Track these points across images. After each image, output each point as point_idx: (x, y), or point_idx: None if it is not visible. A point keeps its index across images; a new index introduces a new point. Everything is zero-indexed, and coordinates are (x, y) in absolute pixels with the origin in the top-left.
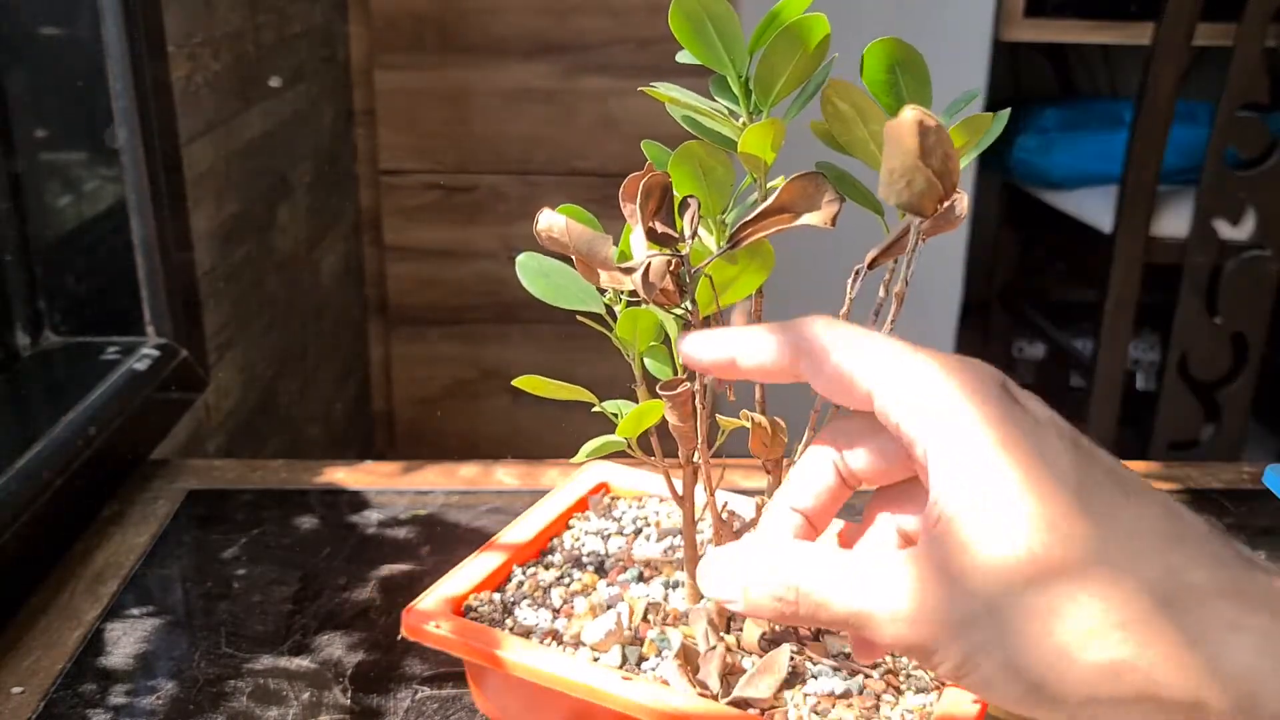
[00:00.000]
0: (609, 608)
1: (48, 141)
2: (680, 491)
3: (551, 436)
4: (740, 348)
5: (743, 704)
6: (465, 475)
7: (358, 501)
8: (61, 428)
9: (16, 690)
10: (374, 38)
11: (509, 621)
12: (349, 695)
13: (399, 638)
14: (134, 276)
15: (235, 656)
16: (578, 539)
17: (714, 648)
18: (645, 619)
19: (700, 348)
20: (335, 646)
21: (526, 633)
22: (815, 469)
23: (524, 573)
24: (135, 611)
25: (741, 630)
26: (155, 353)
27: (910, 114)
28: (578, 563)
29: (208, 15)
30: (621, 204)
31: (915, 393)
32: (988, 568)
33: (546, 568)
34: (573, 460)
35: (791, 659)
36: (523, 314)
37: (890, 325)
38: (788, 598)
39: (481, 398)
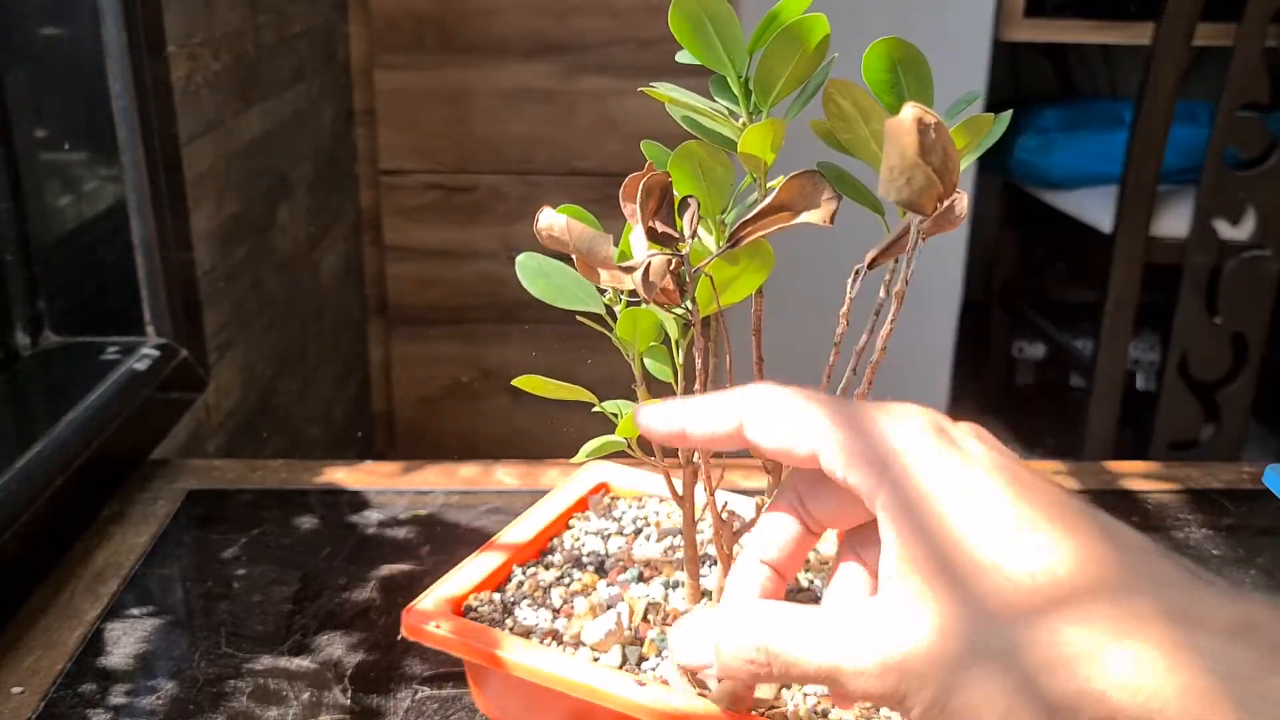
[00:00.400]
0: (609, 608)
1: (48, 141)
2: (680, 491)
3: (551, 436)
4: (689, 419)
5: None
6: (465, 475)
7: (358, 501)
8: (61, 428)
9: (16, 690)
10: (374, 38)
11: (509, 621)
12: (349, 695)
13: (399, 638)
14: (134, 276)
15: (235, 656)
16: (578, 539)
17: None
18: (645, 619)
19: (654, 420)
20: (335, 646)
21: (526, 633)
22: (779, 521)
23: (524, 573)
24: (135, 611)
25: None
26: (155, 353)
27: (910, 111)
28: (578, 563)
29: (208, 15)
30: (622, 204)
31: (855, 448)
32: (936, 620)
33: (546, 568)
34: (573, 460)
35: None
36: (523, 314)
37: (890, 325)
38: (759, 659)
39: (481, 398)
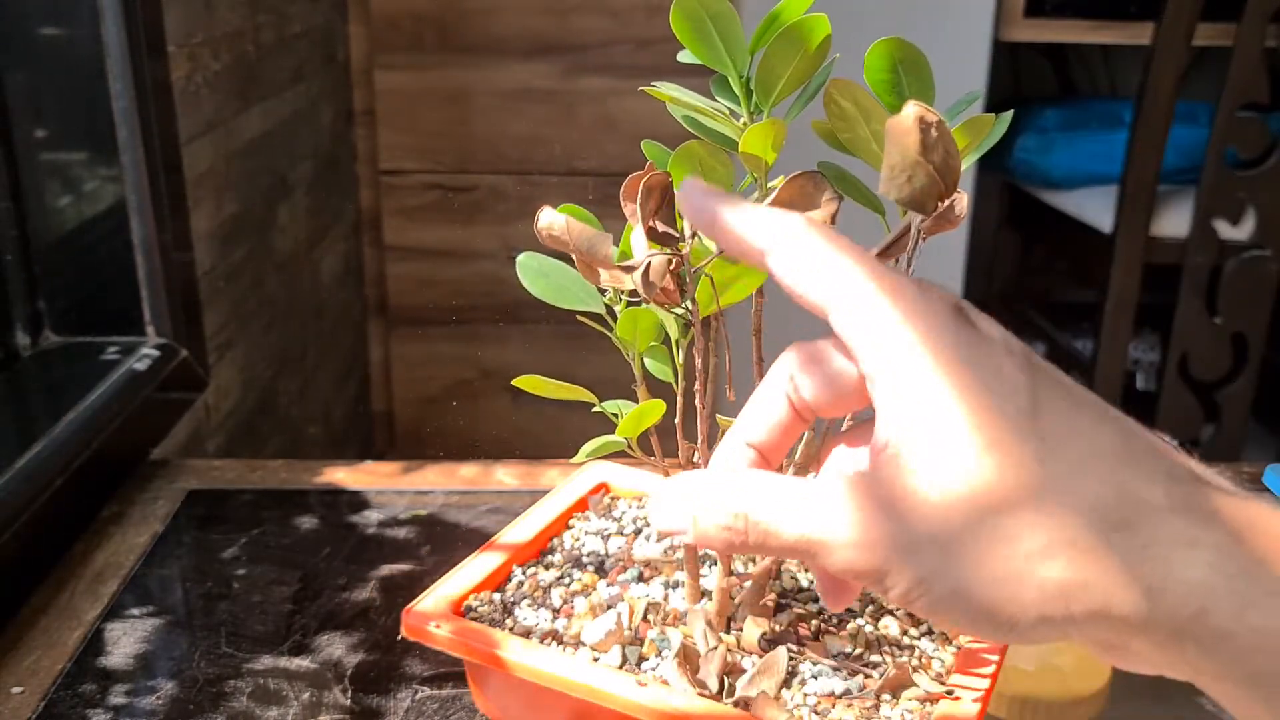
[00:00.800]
0: (609, 608)
1: (48, 141)
2: None
3: (551, 436)
4: (725, 213)
5: (745, 704)
6: (465, 475)
7: (358, 501)
8: (61, 428)
9: (16, 690)
10: (374, 38)
11: (509, 622)
12: (349, 695)
13: (399, 638)
14: (134, 276)
15: (235, 656)
16: (578, 539)
17: (714, 648)
18: (645, 619)
19: (693, 193)
20: (335, 646)
21: (526, 633)
22: (768, 402)
23: (524, 573)
24: (135, 611)
25: (741, 630)
26: (155, 353)
27: (911, 109)
28: (578, 563)
29: (208, 15)
30: (622, 203)
31: (868, 313)
32: (935, 494)
33: (546, 568)
34: (573, 460)
35: (791, 659)
36: (523, 314)
37: None
38: (736, 526)
39: (481, 398)
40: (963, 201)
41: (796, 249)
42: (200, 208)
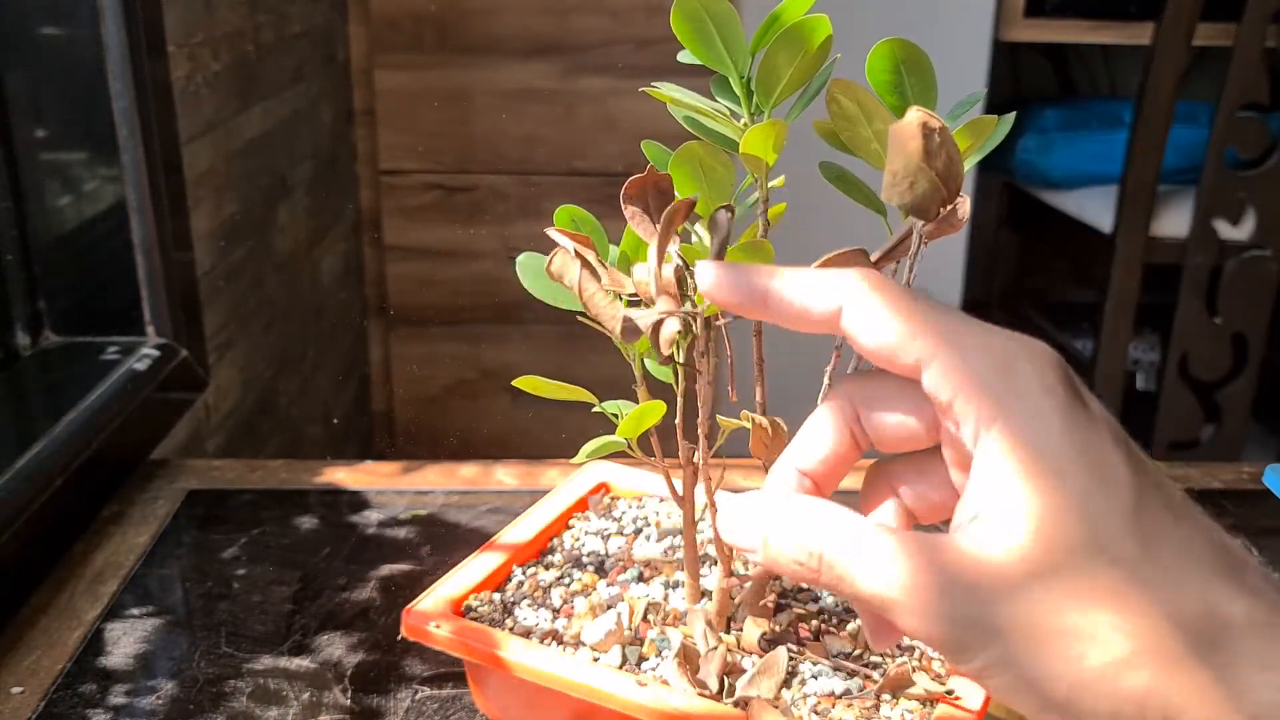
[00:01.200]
0: (609, 608)
1: (48, 141)
2: (680, 491)
3: (551, 436)
4: (776, 287)
5: (745, 704)
6: (465, 475)
7: (358, 501)
8: (61, 427)
9: (16, 690)
10: (374, 38)
11: (509, 622)
12: (349, 695)
13: (399, 638)
14: (134, 276)
15: (235, 656)
16: (578, 539)
17: (715, 648)
18: (645, 619)
19: (726, 281)
20: (335, 646)
21: (526, 633)
22: (827, 432)
23: (524, 573)
24: (135, 611)
25: (741, 630)
26: (155, 353)
27: (914, 115)
28: (578, 563)
29: (208, 15)
30: (623, 205)
31: (974, 372)
32: (1025, 582)
33: (546, 568)
34: (573, 460)
35: (791, 659)
36: (523, 314)
37: None
38: (810, 564)
39: (481, 398)
40: (965, 206)
41: (872, 304)
42: (200, 208)
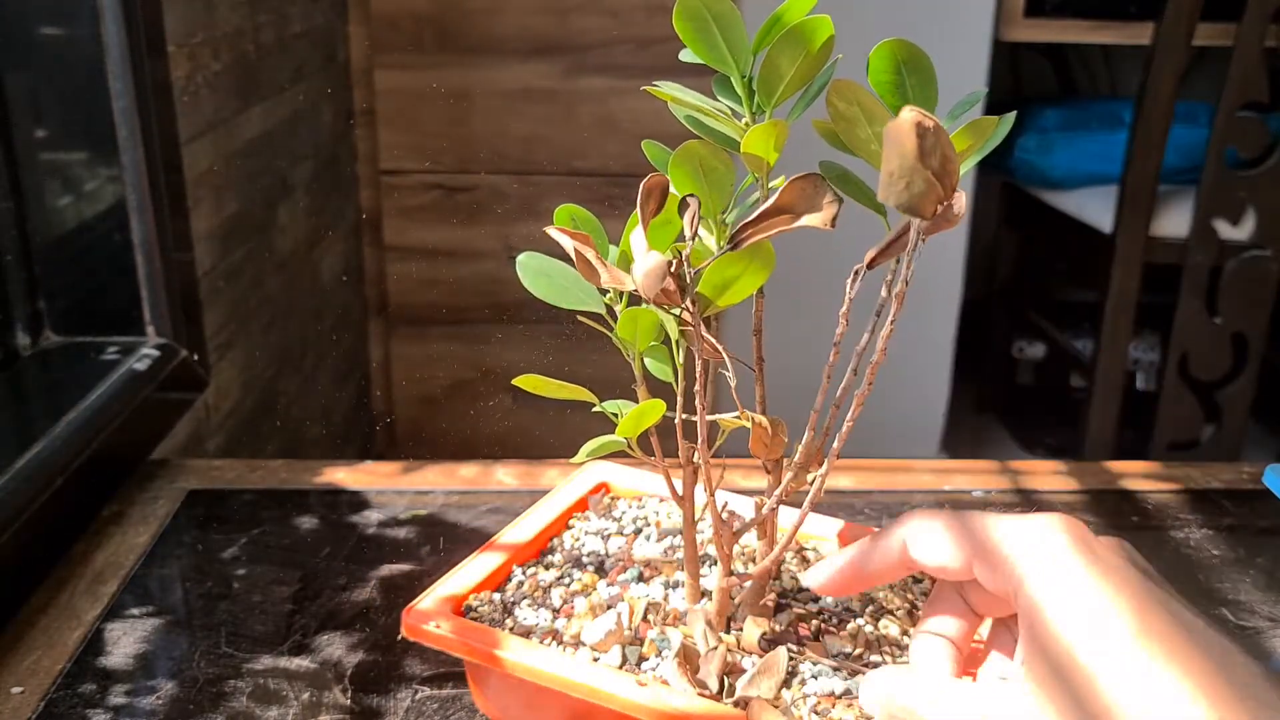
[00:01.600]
0: (609, 608)
1: (48, 141)
2: (680, 491)
3: (551, 436)
4: (861, 565)
5: (745, 704)
6: (465, 475)
7: (358, 501)
8: (61, 427)
9: (16, 690)
10: (374, 38)
11: (509, 621)
12: (349, 695)
13: (399, 638)
14: (134, 276)
15: (235, 656)
16: (578, 539)
17: (715, 648)
18: (645, 619)
19: (827, 580)
20: (335, 646)
21: (526, 633)
22: (948, 611)
23: (524, 573)
24: (135, 611)
25: (741, 630)
26: (155, 353)
27: (909, 115)
28: (578, 563)
29: (208, 15)
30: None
31: (997, 561)
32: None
33: (546, 568)
34: (573, 460)
35: (791, 659)
36: (523, 314)
37: (891, 325)
38: None
39: (481, 398)
40: (961, 201)
41: (926, 534)
42: (200, 208)
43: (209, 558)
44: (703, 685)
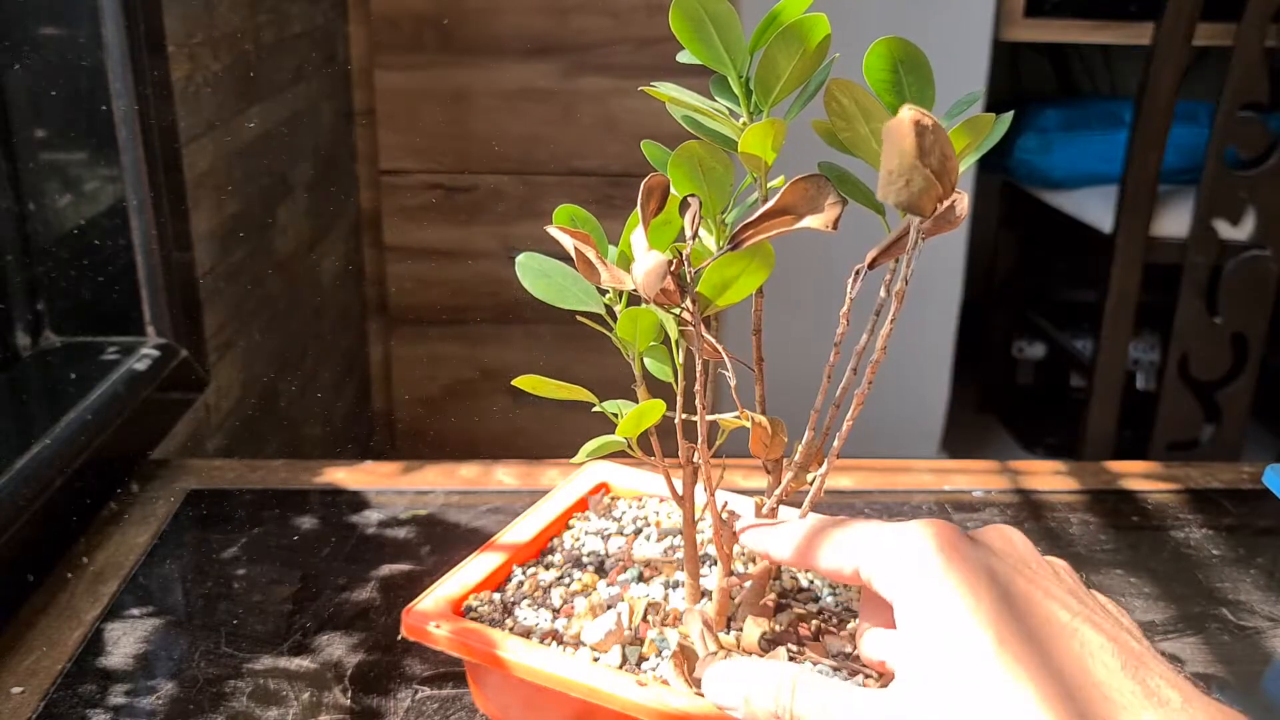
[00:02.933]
0: (609, 608)
1: (48, 141)
2: (680, 491)
3: (551, 436)
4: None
5: None
6: (465, 475)
7: (358, 501)
8: (62, 427)
9: (16, 690)
10: (374, 38)
11: (509, 621)
12: (349, 695)
13: (399, 638)
14: (134, 276)
15: (235, 656)
16: (578, 539)
17: (714, 652)
18: (645, 619)
19: (788, 552)
20: (335, 646)
21: (526, 633)
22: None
23: (524, 573)
24: (135, 611)
25: (741, 630)
26: (155, 353)
27: (907, 113)
28: (578, 563)
29: (208, 15)
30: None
31: (886, 563)
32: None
33: (546, 568)
34: (573, 460)
35: (791, 658)
36: (523, 314)
37: (891, 325)
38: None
39: (481, 398)
40: (963, 202)
41: (818, 540)
42: (200, 208)
43: (209, 558)
44: (699, 684)
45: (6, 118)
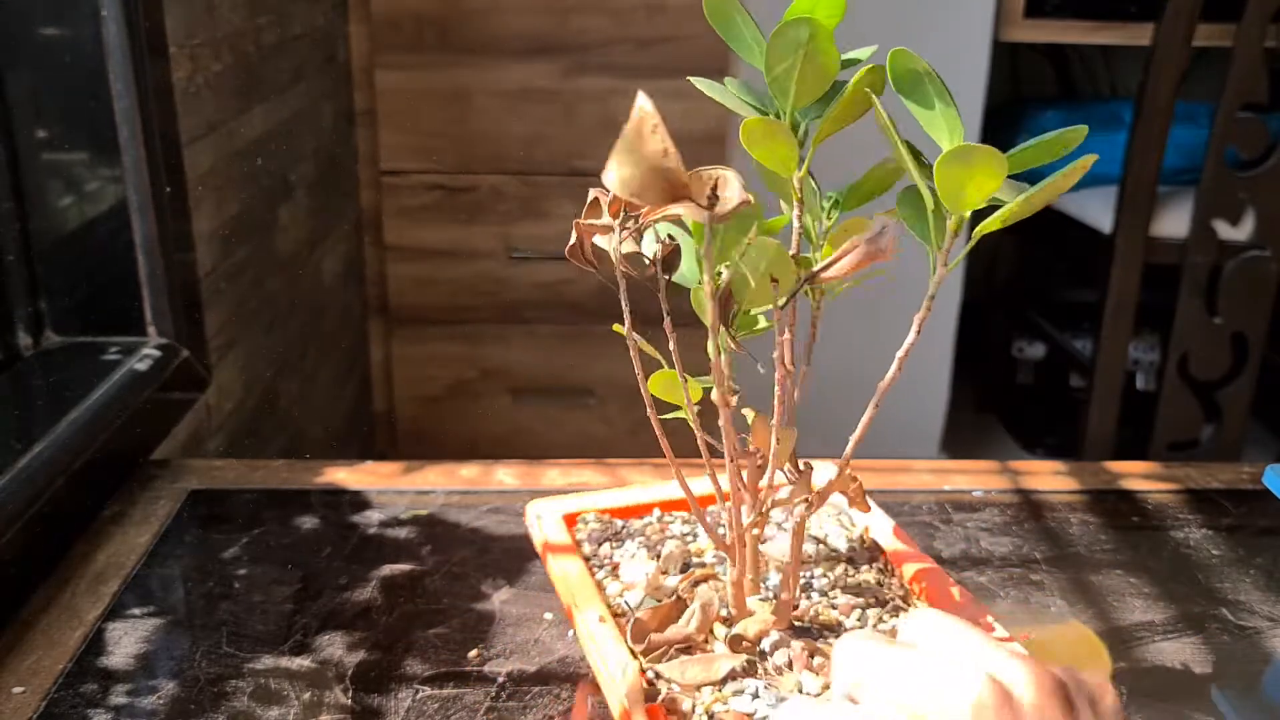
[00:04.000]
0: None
1: (49, 142)
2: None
3: (551, 436)
4: None
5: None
6: (465, 475)
7: (358, 501)
8: (63, 427)
9: (17, 690)
10: (374, 38)
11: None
12: (349, 695)
13: (400, 641)
14: (135, 277)
15: (236, 656)
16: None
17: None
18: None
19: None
20: (336, 646)
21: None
22: None
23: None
24: (136, 611)
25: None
26: (156, 353)
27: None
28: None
29: (208, 16)
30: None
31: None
32: None
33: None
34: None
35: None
36: (523, 314)
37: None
38: None
39: (481, 398)
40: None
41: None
42: (201, 208)
43: (210, 557)
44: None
45: (8, 118)
